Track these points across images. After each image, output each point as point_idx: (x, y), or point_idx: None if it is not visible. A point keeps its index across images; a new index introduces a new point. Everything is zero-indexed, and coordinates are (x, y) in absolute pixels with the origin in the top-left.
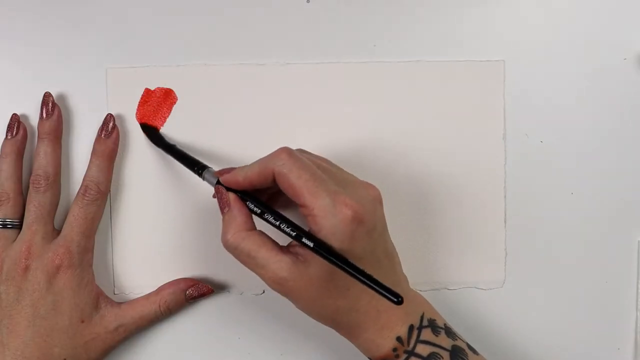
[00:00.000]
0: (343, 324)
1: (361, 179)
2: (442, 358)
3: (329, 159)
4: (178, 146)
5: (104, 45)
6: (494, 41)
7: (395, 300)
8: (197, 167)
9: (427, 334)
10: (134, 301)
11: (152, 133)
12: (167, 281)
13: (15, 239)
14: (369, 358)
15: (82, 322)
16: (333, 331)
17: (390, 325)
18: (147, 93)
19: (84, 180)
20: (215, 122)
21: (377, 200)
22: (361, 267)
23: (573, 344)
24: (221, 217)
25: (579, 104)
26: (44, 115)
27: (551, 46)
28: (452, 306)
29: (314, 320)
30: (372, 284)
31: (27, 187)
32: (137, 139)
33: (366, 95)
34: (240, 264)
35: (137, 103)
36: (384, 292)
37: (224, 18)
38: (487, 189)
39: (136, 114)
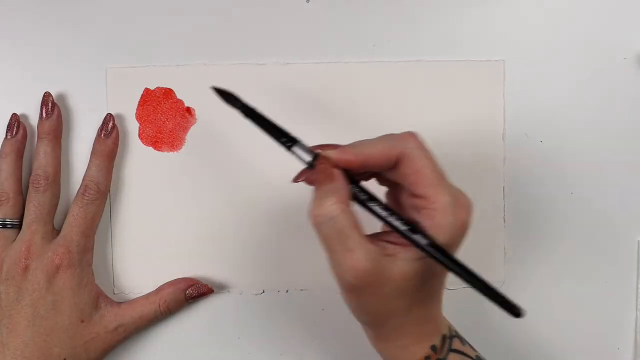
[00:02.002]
0: (386, 326)
1: None
2: None
3: None
4: (258, 111)
5: (104, 45)
6: (494, 41)
7: (516, 314)
8: (287, 139)
9: (457, 344)
10: (134, 301)
11: (227, 95)
12: (167, 281)
13: (15, 239)
14: None
15: (82, 322)
16: (333, 331)
17: (429, 333)
18: (147, 93)
19: (84, 180)
20: (215, 122)
21: (472, 209)
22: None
23: (573, 344)
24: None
25: (579, 104)
26: (44, 115)
27: (551, 46)
28: (452, 306)
29: (314, 320)
30: (494, 295)
31: (27, 187)
32: (137, 139)
33: (366, 95)
34: (241, 265)
35: (137, 103)
36: (506, 305)
37: (224, 18)
38: (487, 188)
39: (136, 114)
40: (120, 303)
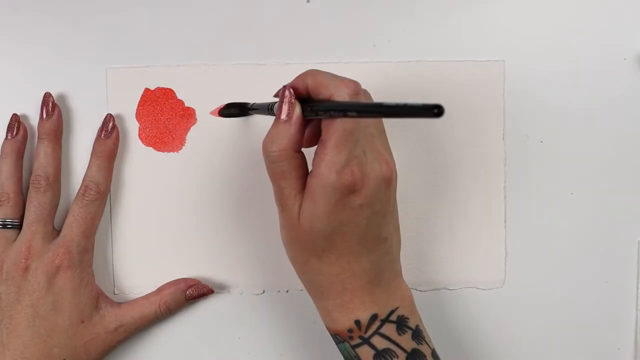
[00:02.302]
0: (311, 284)
1: None
2: (397, 357)
3: None
4: (249, 104)
5: (104, 45)
6: (494, 41)
7: (436, 113)
8: (268, 108)
9: (388, 329)
10: (134, 301)
11: (233, 113)
12: (167, 281)
13: (15, 239)
14: (326, 327)
15: (82, 322)
16: None
17: (352, 305)
18: (147, 93)
19: (84, 180)
20: (215, 122)
21: (386, 180)
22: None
23: (573, 344)
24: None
25: (579, 104)
26: (44, 115)
27: (551, 46)
28: (452, 306)
29: (314, 320)
30: (405, 110)
31: (27, 187)
32: (137, 139)
33: None
34: (241, 265)
35: (137, 103)
36: (421, 111)
37: (224, 18)
38: (487, 188)
39: (136, 114)
40: (120, 303)
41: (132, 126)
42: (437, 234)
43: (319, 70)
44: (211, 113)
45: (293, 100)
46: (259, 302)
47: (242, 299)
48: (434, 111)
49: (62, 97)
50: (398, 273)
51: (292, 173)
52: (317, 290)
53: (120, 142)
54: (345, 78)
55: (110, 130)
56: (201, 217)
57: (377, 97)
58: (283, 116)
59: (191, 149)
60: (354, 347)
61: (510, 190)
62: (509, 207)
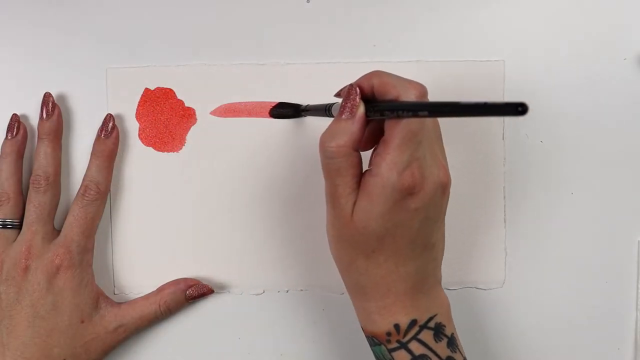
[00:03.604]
0: (355, 284)
1: None
2: None
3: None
4: (302, 105)
5: (104, 45)
6: (494, 41)
7: (521, 111)
8: (326, 109)
9: (426, 336)
10: (134, 301)
11: (285, 114)
12: (167, 281)
13: (15, 239)
14: (362, 328)
15: (82, 322)
16: (333, 331)
17: (393, 309)
18: (147, 93)
19: (83, 180)
20: (215, 122)
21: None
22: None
23: (573, 344)
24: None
25: (579, 104)
26: (44, 115)
27: (551, 46)
28: (452, 306)
29: (314, 320)
30: (487, 108)
31: (27, 187)
32: (137, 139)
33: None
34: (241, 265)
35: (137, 103)
36: (505, 109)
37: (224, 18)
38: (487, 189)
39: (136, 114)
40: (120, 303)
41: (132, 126)
42: None
43: (385, 72)
44: (224, 112)
45: (358, 98)
46: (259, 302)
47: (242, 299)
48: (518, 109)
49: (62, 97)
50: (439, 280)
51: (348, 170)
52: (360, 291)
53: (120, 142)
54: (412, 80)
55: (110, 130)
56: (201, 217)
57: None
58: (346, 113)
59: (191, 149)
60: (391, 350)
61: (510, 190)
62: (508, 207)
